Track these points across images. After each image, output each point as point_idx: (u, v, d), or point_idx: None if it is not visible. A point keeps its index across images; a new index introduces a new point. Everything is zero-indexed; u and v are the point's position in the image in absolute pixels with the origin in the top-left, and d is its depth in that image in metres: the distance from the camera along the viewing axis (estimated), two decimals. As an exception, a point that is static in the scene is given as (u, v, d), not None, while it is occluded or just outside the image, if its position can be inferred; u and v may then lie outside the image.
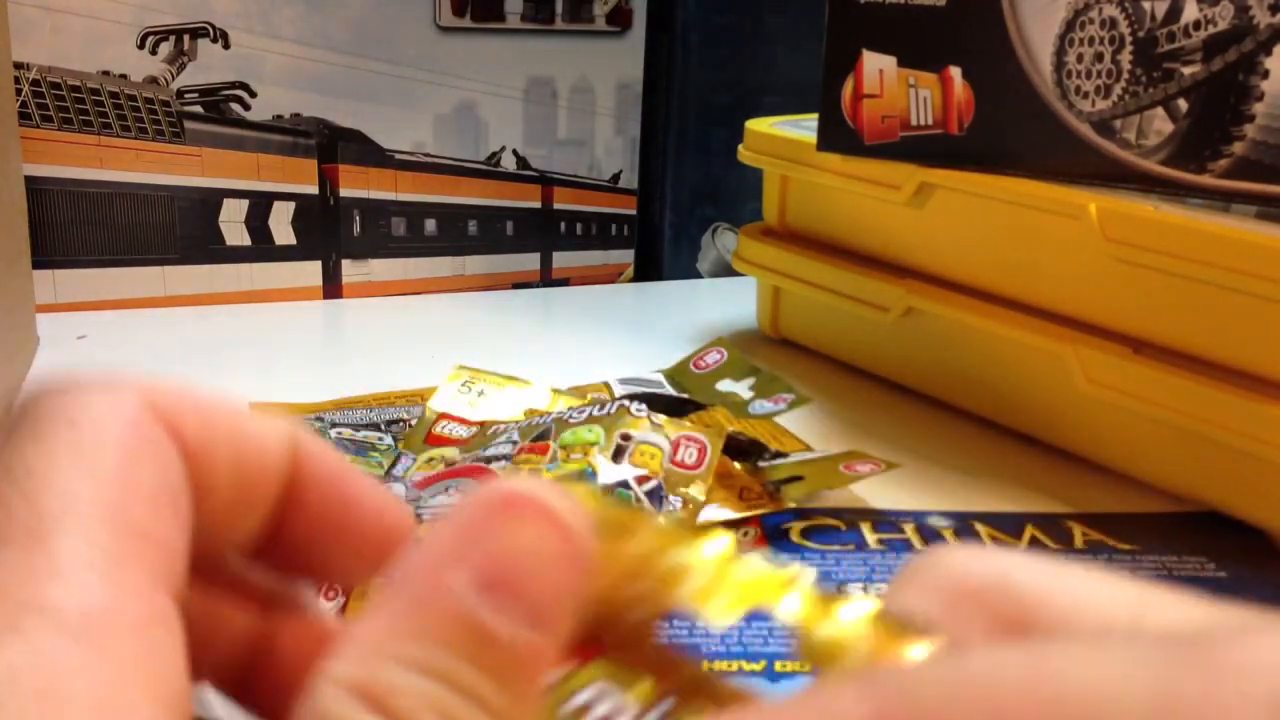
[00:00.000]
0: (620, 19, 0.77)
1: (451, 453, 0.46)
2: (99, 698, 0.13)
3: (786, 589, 0.17)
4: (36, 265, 0.65)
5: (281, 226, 0.73)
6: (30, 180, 0.65)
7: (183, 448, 0.16)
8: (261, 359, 0.64)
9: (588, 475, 0.42)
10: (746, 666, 0.42)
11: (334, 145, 0.72)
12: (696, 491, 0.43)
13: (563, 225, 0.80)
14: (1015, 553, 0.15)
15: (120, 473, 0.15)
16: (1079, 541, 0.46)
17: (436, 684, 0.14)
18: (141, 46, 0.67)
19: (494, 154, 0.77)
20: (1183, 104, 0.48)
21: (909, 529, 0.47)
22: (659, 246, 0.83)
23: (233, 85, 0.69)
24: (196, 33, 0.68)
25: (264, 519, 0.18)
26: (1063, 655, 0.13)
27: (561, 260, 0.81)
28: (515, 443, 0.45)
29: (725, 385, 0.56)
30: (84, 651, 0.13)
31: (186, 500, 0.16)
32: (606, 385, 0.57)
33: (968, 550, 0.17)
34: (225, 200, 0.71)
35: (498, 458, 0.44)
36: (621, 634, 0.18)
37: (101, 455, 0.15)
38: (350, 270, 0.75)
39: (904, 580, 0.17)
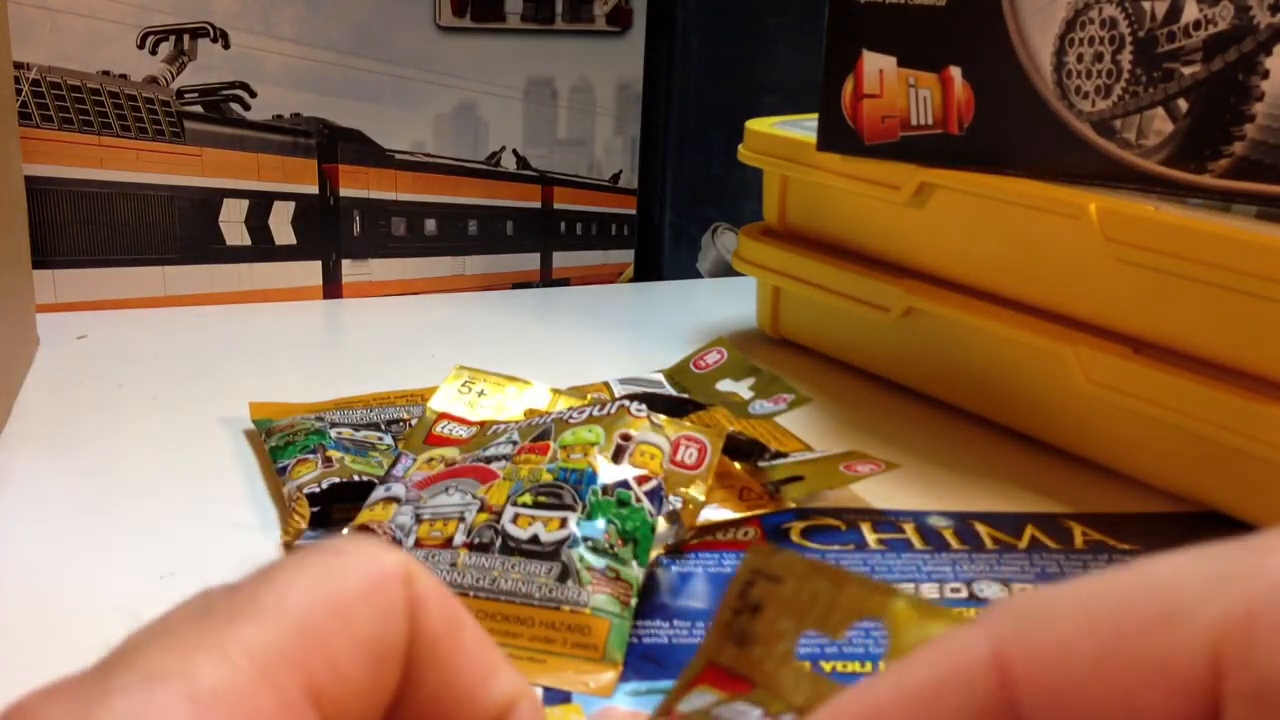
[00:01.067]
0: (620, 19, 0.77)
1: (452, 453, 0.46)
2: None
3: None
4: (36, 265, 0.65)
5: (281, 226, 0.73)
6: (30, 180, 0.65)
7: (414, 629, 0.17)
8: (261, 359, 0.64)
9: (588, 475, 0.42)
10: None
11: (334, 145, 0.72)
12: (696, 492, 0.43)
13: (563, 225, 0.80)
14: None
15: (340, 601, 0.16)
16: (1079, 541, 0.46)
17: None
18: (141, 46, 0.67)
19: (494, 154, 0.77)
20: (1183, 104, 0.48)
21: (909, 529, 0.47)
22: (659, 246, 0.83)
23: (233, 85, 0.69)
24: (196, 32, 0.68)
25: None
26: (1151, 561, 0.16)
27: (561, 260, 0.81)
28: (515, 443, 0.45)
29: (725, 385, 0.56)
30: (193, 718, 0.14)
31: (394, 666, 0.17)
32: (606, 385, 0.57)
33: None
34: (225, 200, 0.71)
35: (498, 458, 0.44)
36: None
37: (337, 584, 0.16)
38: (350, 270, 0.75)
39: None
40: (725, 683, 0.20)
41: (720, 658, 0.20)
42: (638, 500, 0.42)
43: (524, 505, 0.41)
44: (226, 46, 0.69)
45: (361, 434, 0.51)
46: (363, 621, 0.16)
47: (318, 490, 0.45)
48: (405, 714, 0.17)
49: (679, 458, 0.44)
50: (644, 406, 0.46)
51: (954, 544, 0.46)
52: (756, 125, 0.65)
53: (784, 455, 0.49)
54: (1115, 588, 0.15)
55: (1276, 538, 0.15)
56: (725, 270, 0.82)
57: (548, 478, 0.42)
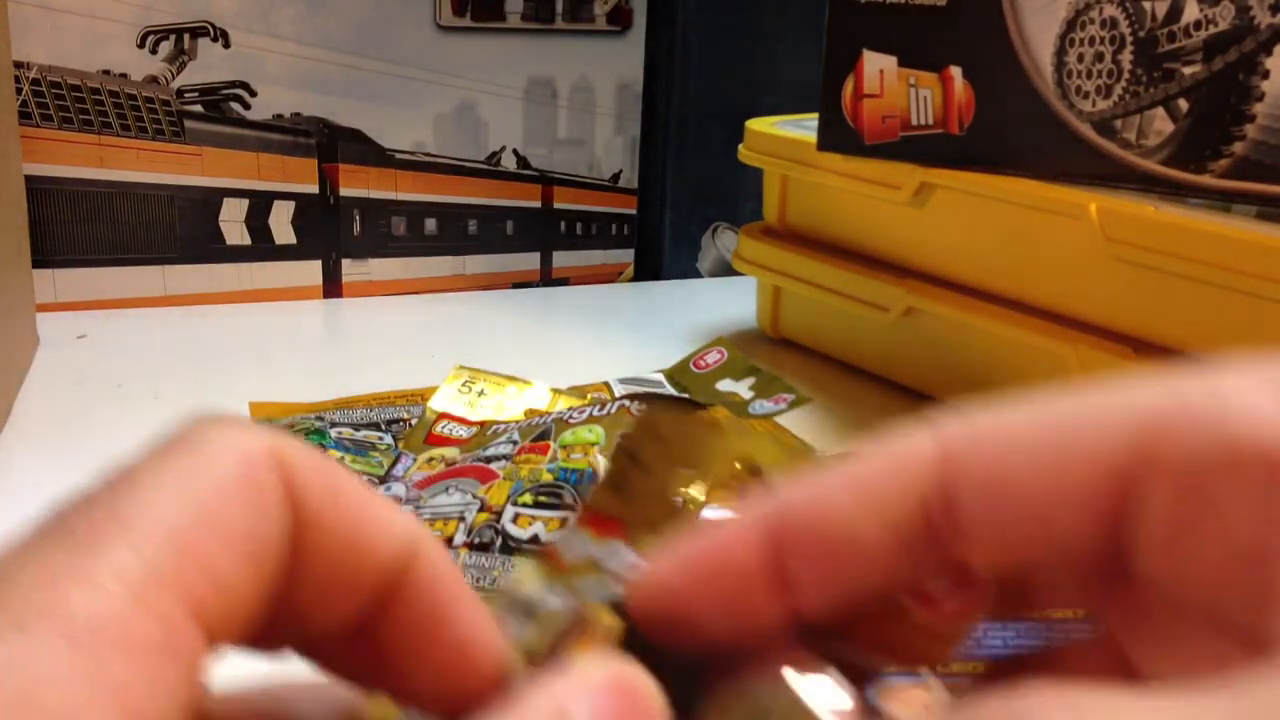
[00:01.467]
0: (620, 18, 0.77)
1: (452, 452, 0.46)
2: (67, 710, 0.13)
3: None
4: (36, 265, 0.65)
5: (282, 226, 0.73)
6: (30, 180, 0.65)
7: (295, 508, 0.16)
8: (261, 359, 0.64)
9: (588, 475, 0.42)
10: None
11: (334, 145, 0.72)
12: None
13: (563, 225, 0.80)
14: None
15: (210, 504, 0.15)
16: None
17: None
18: (141, 46, 0.67)
19: (494, 153, 0.77)
20: (1183, 104, 0.48)
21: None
22: (659, 246, 0.83)
23: (233, 85, 0.69)
24: (196, 32, 0.68)
25: (360, 609, 0.17)
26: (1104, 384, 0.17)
27: (561, 260, 0.81)
28: (515, 442, 0.45)
29: (725, 385, 0.56)
30: (72, 661, 0.13)
31: (275, 556, 0.16)
32: (606, 385, 0.57)
33: None
34: (225, 200, 0.71)
35: (498, 458, 0.44)
36: None
37: (203, 484, 0.15)
38: (350, 270, 0.75)
39: None
40: (600, 524, 0.20)
41: (597, 502, 0.21)
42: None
43: (524, 505, 0.41)
44: (227, 46, 0.69)
45: (361, 434, 0.50)
46: (236, 521, 0.15)
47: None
48: (302, 589, 0.17)
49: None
50: (644, 406, 0.46)
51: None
52: (756, 125, 0.65)
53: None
54: (1063, 396, 0.17)
55: (1229, 367, 0.16)
56: (725, 270, 0.82)
57: (548, 477, 0.42)
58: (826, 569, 0.18)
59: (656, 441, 0.21)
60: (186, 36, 0.68)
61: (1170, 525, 0.16)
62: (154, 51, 0.67)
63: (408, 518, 0.18)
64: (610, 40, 0.77)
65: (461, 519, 0.41)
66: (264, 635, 0.17)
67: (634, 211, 0.82)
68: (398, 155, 0.74)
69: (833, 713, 0.17)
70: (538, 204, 0.79)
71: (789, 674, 0.18)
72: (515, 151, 0.77)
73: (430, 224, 0.76)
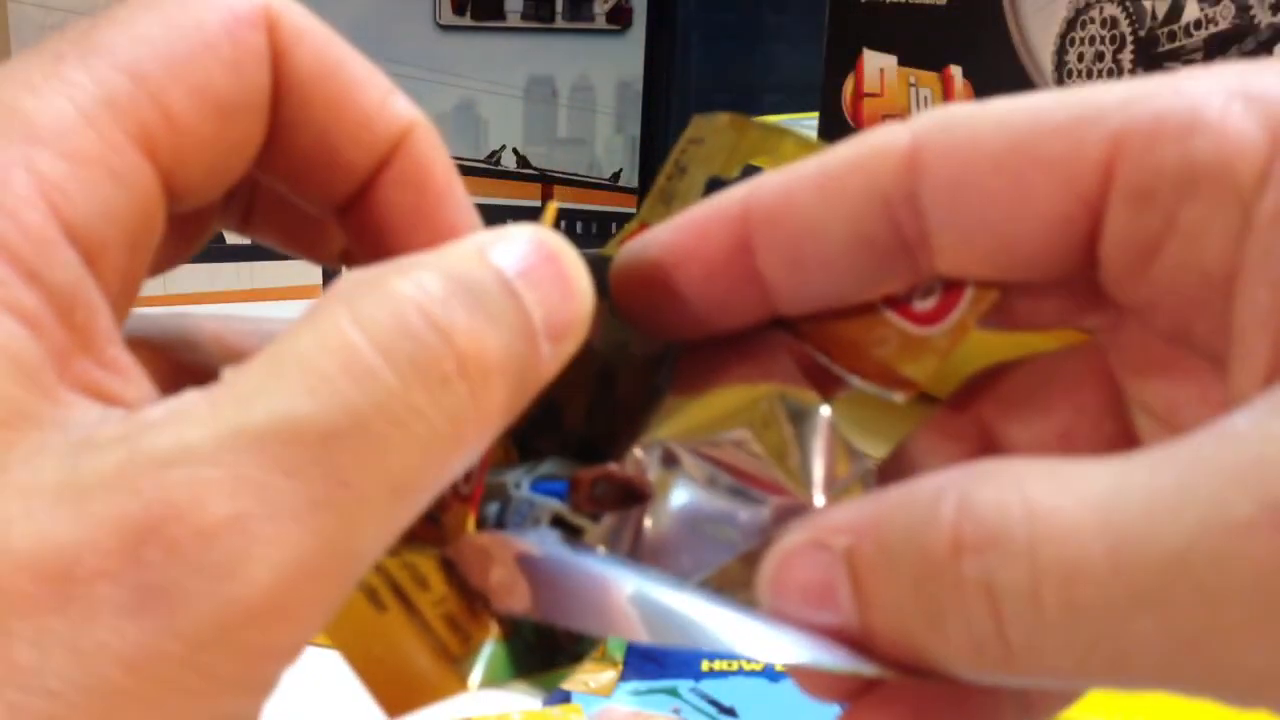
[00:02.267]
0: (620, 18, 0.77)
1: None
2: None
3: None
4: (36, 264, 0.65)
5: (281, 225, 0.73)
6: (30, 179, 0.65)
7: (282, 72, 0.16)
8: (261, 358, 0.64)
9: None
10: (746, 666, 0.42)
11: (334, 144, 0.72)
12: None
13: (562, 223, 0.80)
14: None
15: (178, 49, 0.15)
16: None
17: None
18: (141, 45, 0.67)
19: (494, 152, 0.77)
20: (1183, 103, 0.48)
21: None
22: (659, 245, 0.83)
23: (233, 84, 0.69)
24: (196, 31, 0.68)
25: (344, 186, 0.17)
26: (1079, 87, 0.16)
27: (561, 259, 0.81)
28: None
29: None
30: (7, 153, 0.14)
31: (249, 115, 0.16)
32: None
33: None
34: (225, 199, 0.71)
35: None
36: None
37: (177, 31, 0.15)
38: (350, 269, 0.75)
39: None
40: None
41: (650, 217, 0.21)
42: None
43: None
44: (226, 45, 0.69)
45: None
46: (205, 71, 0.15)
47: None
48: (282, 157, 0.17)
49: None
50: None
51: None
52: (757, 124, 0.65)
53: None
54: (1037, 100, 0.16)
55: (1206, 76, 0.15)
56: (725, 269, 0.82)
57: None
58: (792, 261, 0.17)
59: (698, 146, 0.21)
60: (186, 35, 0.68)
61: (1139, 248, 0.15)
62: (154, 50, 0.67)
63: (405, 100, 0.18)
64: (610, 39, 0.77)
65: None
66: (238, 206, 0.17)
67: (634, 210, 0.82)
68: (398, 154, 0.74)
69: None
70: (538, 203, 0.79)
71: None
72: (515, 150, 0.77)
73: (430, 223, 0.76)
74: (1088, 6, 0.50)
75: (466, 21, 0.73)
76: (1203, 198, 0.14)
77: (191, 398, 0.13)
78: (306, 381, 0.13)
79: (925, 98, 0.55)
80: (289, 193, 0.17)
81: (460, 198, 0.18)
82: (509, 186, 0.78)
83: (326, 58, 0.17)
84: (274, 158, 0.16)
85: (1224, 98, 0.14)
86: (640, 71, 0.79)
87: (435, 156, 0.18)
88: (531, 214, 0.79)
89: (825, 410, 0.18)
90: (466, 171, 0.78)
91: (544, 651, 0.16)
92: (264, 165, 0.16)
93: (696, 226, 0.18)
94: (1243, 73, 0.15)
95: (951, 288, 0.17)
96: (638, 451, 0.18)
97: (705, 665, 0.42)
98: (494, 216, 0.80)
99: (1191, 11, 0.47)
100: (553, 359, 0.15)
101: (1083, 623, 0.13)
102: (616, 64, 0.78)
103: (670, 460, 0.18)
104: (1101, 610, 0.13)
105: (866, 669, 0.14)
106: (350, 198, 0.17)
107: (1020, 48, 0.52)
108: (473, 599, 0.16)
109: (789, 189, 0.17)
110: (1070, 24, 0.50)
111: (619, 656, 0.38)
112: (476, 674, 0.16)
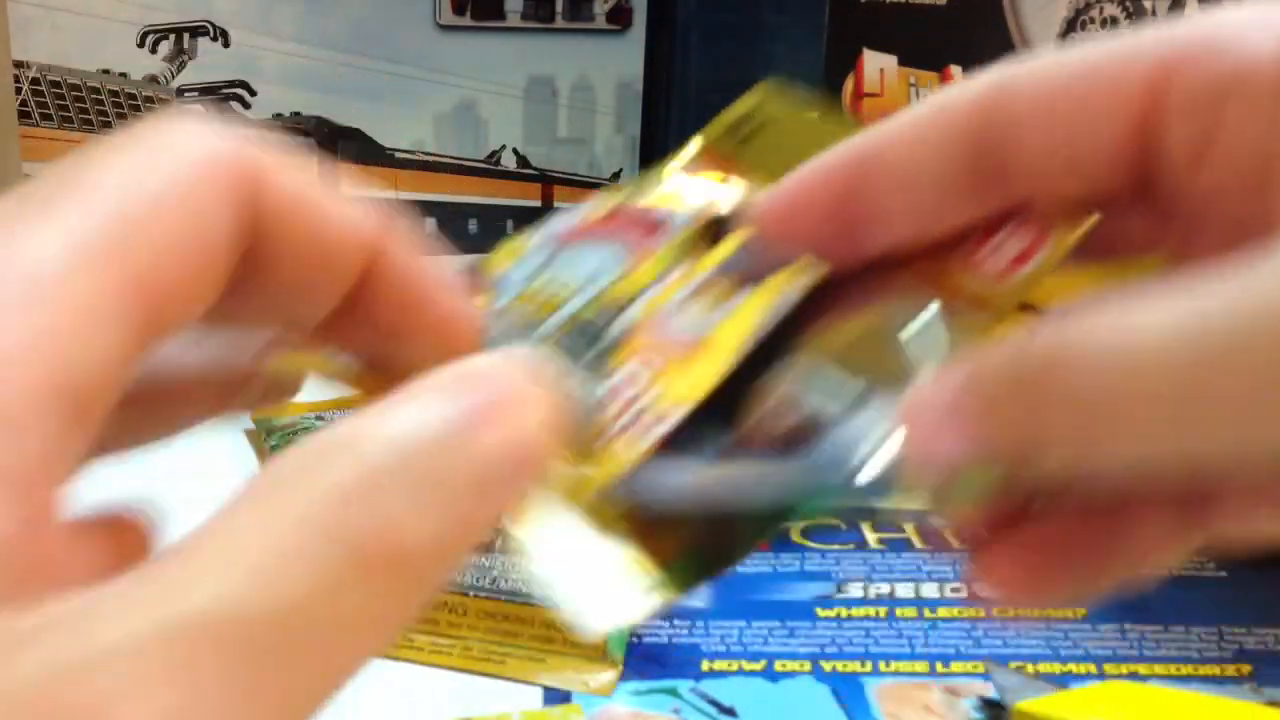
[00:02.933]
0: (620, 17, 0.77)
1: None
2: None
3: None
4: (36, 264, 0.65)
5: (281, 225, 0.73)
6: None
7: (259, 212, 0.17)
8: (261, 358, 0.64)
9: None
10: (747, 666, 0.42)
11: (334, 144, 0.72)
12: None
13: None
14: None
15: (161, 192, 0.15)
16: (1079, 541, 0.46)
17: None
18: (141, 45, 0.67)
19: (494, 152, 0.77)
20: (1183, 103, 0.48)
21: (909, 529, 0.47)
22: (659, 245, 0.83)
23: (233, 84, 0.69)
24: (196, 31, 0.68)
25: (330, 303, 0.18)
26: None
27: (561, 259, 0.81)
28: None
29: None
30: (3, 307, 0.14)
31: (227, 252, 0.16)
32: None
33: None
34: (225, 199, 0.71)
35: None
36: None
37: (158, 175, 0.16)
38: (350, 269, 0.75)
39: None
40: (717, 162, 0.26)
41: (718, 145, 0.25)
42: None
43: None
44: (226, 45, 0.69)
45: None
46: (185, 213, 0.15)
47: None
48: (269, 287, 0.17)
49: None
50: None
51: (954, 544, 0.46)
52: (757, 124, 0.65)
53: None
54: (1083, 48, 0.19)
55: (1234, 8, 0.18)
56: (725, 269, 0.82)
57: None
58: (891, 201, 0.20)
59: (764, 133, 0.24)
60: (186, 36, 0.68)
61: (1189, 144, 0.18)
62: (154, 51, 0.67)
63: (372, 216, 0.19)
64: (610, 39, 0.77)
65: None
66: (235, 320, 0.18)
67: (634, 211, 0.82)
68: (397, 154, 0.74)
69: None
70: (538, 203, 0.79)
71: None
72: (515, 150, 0.77)
73: (430, 223, 0.76)
74: (1088, 6, 0.50)
75: (466, 21, 0.73)
76: (1233, 105, 0.17)
77: (123, 584, 0.13)
78: (238, 570, 0.12)
79: (925, 98, 0.55)
80: (278, 310, 0.18)
81: (445, 290, 0.20)
82: (509, 186, 0.78)
83: (296, 193, 0.17)
84: (258, 286, 0.17)
85: (1252, 18, 0.18)
86: (640, 71, 0.79)
87: (410, 260, 0.19)
88: (532, 214, 0.79)
89: (936, 314, 0.21)
90: (466, 171, 0.78)
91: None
92: (238, 299, 0.17)
93: (812, 175, 0.21)
94: (1257, 7, 0.18)
95: (1038, 235, 0.20)
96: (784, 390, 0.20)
97: (705, 665, 0.42)
98: (494, 216, 0.81)
99: (1192, 11, 0.47)
100: (496, 517, 0.15)
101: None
102: (616, 64, 0.78)
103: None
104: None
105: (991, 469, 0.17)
106: (339, 313, 0.19)
107: (1021, 47, 0.52)
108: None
109: (882, 136, 0.21)
110: (1070, 24, 0.50)
111: (619, 656, 0.38)
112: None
